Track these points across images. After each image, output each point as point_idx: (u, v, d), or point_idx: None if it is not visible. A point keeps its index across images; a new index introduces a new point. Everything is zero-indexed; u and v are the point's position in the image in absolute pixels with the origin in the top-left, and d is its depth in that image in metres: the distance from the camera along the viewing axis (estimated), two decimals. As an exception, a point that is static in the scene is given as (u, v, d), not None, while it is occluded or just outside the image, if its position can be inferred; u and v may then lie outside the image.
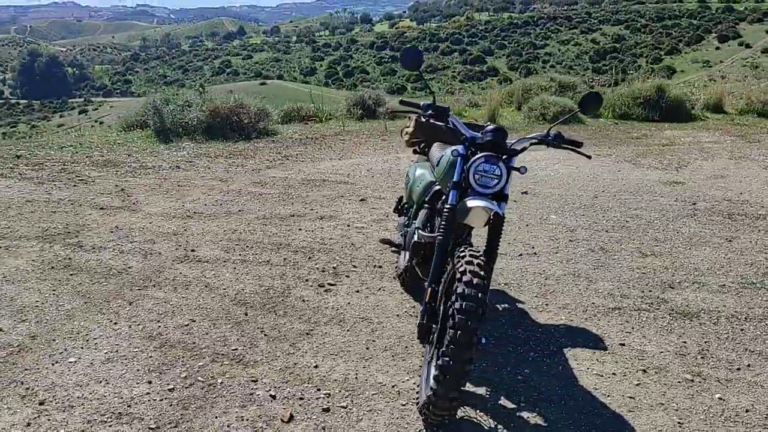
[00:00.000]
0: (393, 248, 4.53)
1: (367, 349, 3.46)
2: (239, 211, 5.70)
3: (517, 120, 11.34)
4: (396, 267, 4.38)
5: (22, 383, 3.02)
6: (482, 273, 2.67)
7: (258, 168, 7.37)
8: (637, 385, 3.18)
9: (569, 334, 3.69)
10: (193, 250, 4.73)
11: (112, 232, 5.06)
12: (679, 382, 3.22)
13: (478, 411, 2.95)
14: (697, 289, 4.27)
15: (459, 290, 2.62)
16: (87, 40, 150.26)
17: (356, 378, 3.18)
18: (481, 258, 2.77)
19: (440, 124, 3.28)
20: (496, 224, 3.09)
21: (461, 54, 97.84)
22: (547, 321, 3.85)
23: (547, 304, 4.06)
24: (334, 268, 4.49)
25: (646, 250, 4.97)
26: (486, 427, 2.84)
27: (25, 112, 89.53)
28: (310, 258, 4.65)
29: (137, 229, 5.13)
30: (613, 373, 3.29)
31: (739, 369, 3.35)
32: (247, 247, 4.82)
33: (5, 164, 7.11)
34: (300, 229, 5.24)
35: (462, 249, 2.84)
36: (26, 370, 3.13)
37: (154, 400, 2.94)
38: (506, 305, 4.05)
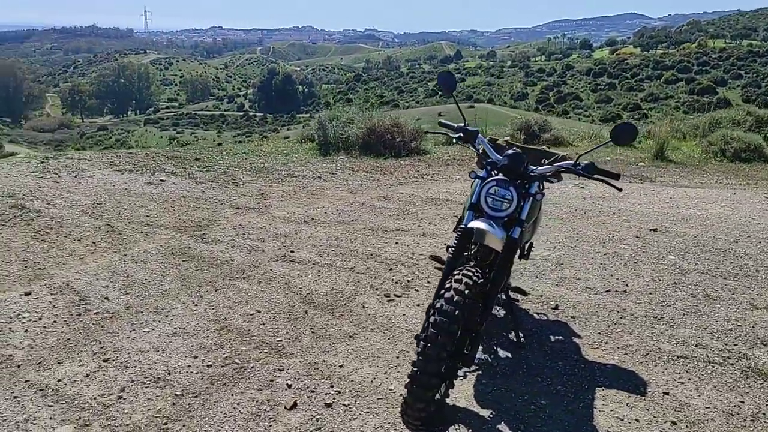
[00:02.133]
0: (438, 266, 4.58)
1: (397, 357, 3.59)
2: (352, 221, 6.08)
3: (694, 155, 10.47)
4: None
5: (99, 343, 3.61)
6: (466, 292, 2.71)
7: (390, 184, 7.72)
8: (657, 436, 2.95)
9: (612, 375, 3.48)
10: (292, 252, 5.18)
11: (234, 229, 5.70)
12: (707, 441, 2.92)
13: (471, 430, 2.96)
14: (798, 351, 3.76)
15: (437, 305, 2.70)
16: (318, 60, 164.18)
17: (372, 382, 3.33)
18: (474, 279, 2.80)
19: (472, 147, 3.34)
20: (508, 249, 3.07)
21: (688, 83, 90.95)
22: (595, 358, 3.66)
23: (606, 342, 3.85)
24: (408, 281, 4.65)
25: (761, 303, 4.44)
26: (469, 448, 2.85)
27: (259, 123, 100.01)
28: (390, 269, 4.86)
29: (256, 228, 5.72)
30: (637, 420, 3.07)
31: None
32: (341, 253, 5.16)
33: (182, 165, 8.25)
34: (397, 243, 5.46)
35: (462, 268, 2.89)
36: (108, 333, 3.73)
37: (191, 372, 3.36)
38: (560, 337, 3.91)
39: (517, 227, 3.07)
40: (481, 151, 3.38)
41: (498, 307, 4.27)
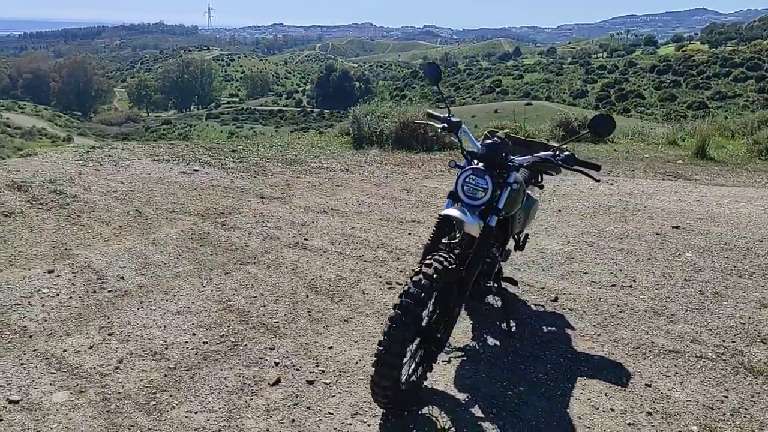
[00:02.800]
0: None
1: (386, 342, 3.67)
2: (370, 212, 6.19)
3: (738, 153, 10.15)
4: None
5: (107, 318, 3.84)
6: (434, 276, 2.79)
7: (416, 177, 7.80)
8: (629, 424, 2.96)
9: (597, 366, 3.49)
10: (305, 239, 5.33)
11: (254, 216, 5.90)
12: (678, 431, 2.91)
13: (442, 412, 3.03)
14: (799, 350, 3.67)
15: (405, 287, 2.78)
16: (376, 57, 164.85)
17: (356, 363, 3.44)
18: (445, 264, 2.87)
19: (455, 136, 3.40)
20: (483, 235, 3.12)
21: (758, 81, 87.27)
22: (584, 349, 3.67)
23: (599, 335, 3.85)
24: (413, 270, 4.72)
25: (772, 301, 4.34)
26: (438, 427, 2.92)
27: (316, 119, 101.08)
28: (398, 259, 4.95)
29: (275, 217, 5.91)
30: (612, 409, 3.09)
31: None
32: (352, 242, 5.28)
33: (218, 156, 8.53)
34: (410, 234, 5.55)
35: (435, 253, 2.97)
36: (117, 309, 3.96)
37: (187, 348, 3.54)
38: (553, 328, 3.93)
39: (494, 215, 3.13)
40: (462, 141, 3.45)
41: (495, 297, 4.32)
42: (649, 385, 3.31)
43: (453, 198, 3.17)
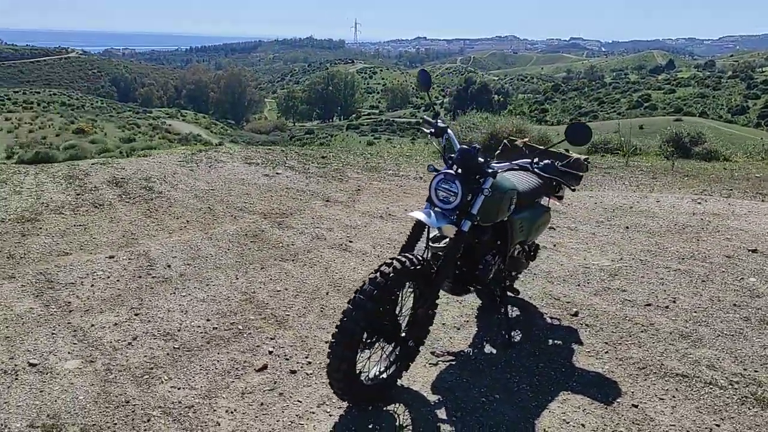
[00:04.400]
0: None
1: (381, 342, 3.75)
2: (425, 218, 6.24)
3: None
4: None
5: (140, 300, 4.22)
6: (391, 275, 2.84)
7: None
8: (592, 444, 2.83)
9: (588, 382, 3.36)
10: (350, 242, 5.50)
11: (312, 218, 6.17)
12: (641, 458, 2.75)
13: (406, 411, 3.07)
14: (832, 388, 3.30)
15: (361, 284, 2.87)
16: (518, 70, 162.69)
17: (344, 359, 3.54)
18: (407, 265, 2.91)
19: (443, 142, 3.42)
20: (454, 240, 3.14)
21: None
22: (583, 365, 3.54)
23: (606, 352, 3.68)
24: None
25: (827, 333, 3.91)
26: (396, 424, 2.97)
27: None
28: (431, 265, 4.98)
29: (331, 219, 6.13)
30: (582, 425, 2.97)
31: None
32: (395, 247, 5.38)
33: (305, 161, 8.95)
34: (454, 241, 5.54)
35: (401, 254, 3.02)
36: (152, 293, 4.34)
37: (197, 332, 3.82)
38: (559, 342, 3.81)
39: (467, 220, 3.13)
40: (445, 146, 3.46)
41: (513, 306, 4.25)
42: (636, 406, 3.14)
43: (429, 201, 3.21)
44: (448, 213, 3.14)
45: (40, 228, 5.56)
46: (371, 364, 3.15)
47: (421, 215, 3.09)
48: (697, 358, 3.61)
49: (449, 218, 3.14)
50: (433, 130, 3.49)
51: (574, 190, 3.80)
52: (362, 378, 3.08)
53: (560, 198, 4.16)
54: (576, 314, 4.17)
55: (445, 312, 4.17)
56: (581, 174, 3.39)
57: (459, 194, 3.06)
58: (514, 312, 4.23)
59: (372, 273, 2.91)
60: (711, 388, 3.31)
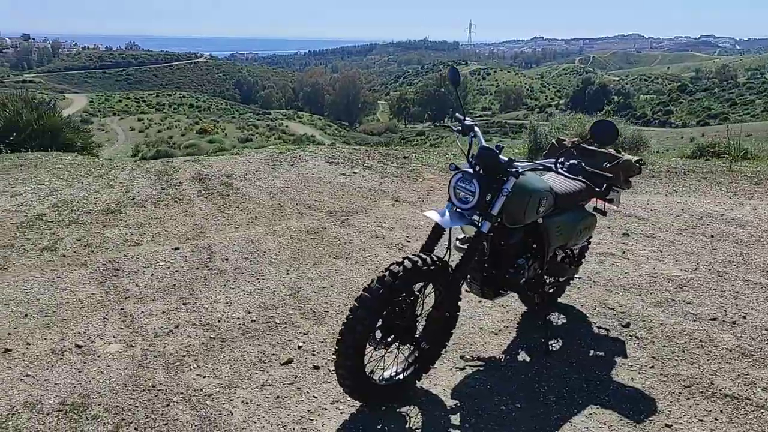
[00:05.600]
0: None
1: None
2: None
3: None
4: None
5: (192, 291, 4.40)
6: (400, 274, 2.79)
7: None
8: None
9: (623, 398, 3.16)
10: (408, 241, 5.46)
11: (377, 217, 6.18)
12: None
13: (420, 414, 3.02)
14: None
15: (369, 282, 2.84)
16: (641, 70, 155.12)
17: (369, 358, 3.52)
18: (419, 264, 2.85)
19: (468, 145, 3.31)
20: (475, 239, 3.05)
21: None
22: (622, 380, 3.33)
23: (652, 367, 3.43)
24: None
25: None
26: (406, 426, 2.91)
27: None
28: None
29: (394, 219, 6.12)
30: (598, 445, 2.77)
31: None
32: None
33: (386, 161, 8.97)
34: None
35: (415, 254, 2.97)
36: (204, 285, 4.51)
37: (235, 323, 3.93)
38: (602, 353, 3.60)
39: (486, 221, 3.03)
40: (473, 145, 3.35)
41: (559, 314, 4.06)
42: (669, 426, 2.90)
43: (450, 201, 3.14)
44: (469, 213, 3.05)
45: (121, 219, 5.93)
46: (387, 363, 3.11)
47: (434, 215, 3.02)
48: (754, 379, 3.28)
49: (468, 218, 3.05)
50: (460, 128, 3.40)
51: (610, 194, 3.59)
52: (376, 377, 3.05)
53: (610, 201, 3.92)
54: (627, 325, 3.91)
55: (487, 317, 4.05)
56: (610, 175, 3.17)
57: (476, 194, 2.96)
58: (560, 319, 4.03)
59: (381, 271, 2.87)
60: (762, 413, 2.99)
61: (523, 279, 3.41)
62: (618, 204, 4.06)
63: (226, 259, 4.98)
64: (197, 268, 4.79)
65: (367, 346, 2.92)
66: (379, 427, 2.94)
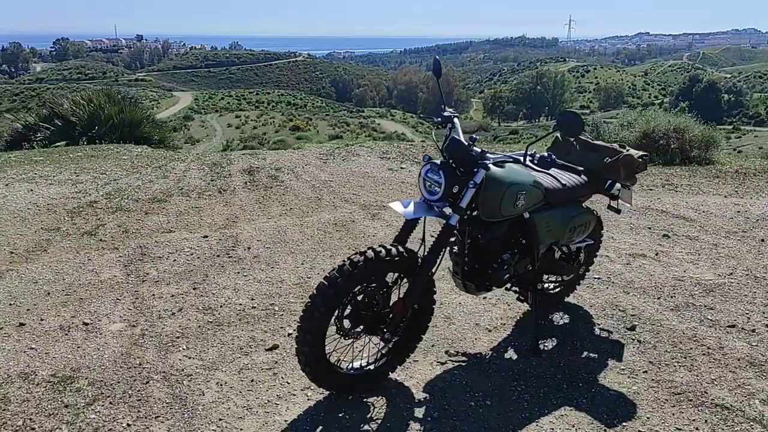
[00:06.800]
0: None
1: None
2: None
3: None
4: None
5: (206, 277, 4.55)
6: (359, 263, 2.80)
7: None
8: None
9: (602, 402, 3.01)
10: (433, 236, 5.38)
11: (409, 212, 6.13)
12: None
13: (385, 405, 2.99)
14: None
15: (329, 271, 2.85)
16: (756, 66, 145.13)
17: (353, 349, 3.52)
18: (381, 255, 2.84)
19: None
20: (443, 232, 3.00)
21: None
22: (607, 383, 3.17)
23: (645, 372, 3.25)
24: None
25: None
26: (367, 416, 2.91)
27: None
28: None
29: (426, 214, 6.05)
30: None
31: None
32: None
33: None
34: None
35: (381, 244, 2.95)
36: (219, 271, 4.65)
37: (235, 309, 4.04)
38: (595, 355, 3.43)
39: (455, 214, 2.97)
40: (447, 136, 3.27)
41: (561, 313, 3.92)
42: (640, 434, 2.73)
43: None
44: (439, 205, 3.00)
45: (163, 208, 6.21)
46: (357, 353, 3.11)
47: (397, 206, 2.99)
48: (754, 391, 3.04)
49: (438, 211, 3.00)
50: (440, 119, 3.33)
51: (620, 191, 3.46)
52: (344, 366, 3.05)
53: (614, 198, 3.73)
54: (633, 328, 3.71)
55: (487, 313, 3.96)
56: (581, 169, 3.02)
57: (443, 185, 2.91)
58: (562, 319, 3.88)
59: (342, 260, 2.87)
60: (751, 426, 2.76)
61: (507, 275, 3.31)
62: (631, 201, 3.85)
63: (248, 248, 5.11)
64: (218, 256, 4.95)
65: (336, 334, 2.94)
66: (340, 415, 2.94)
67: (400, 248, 2.93)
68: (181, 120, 59.57)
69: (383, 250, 2.87)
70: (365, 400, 3.05)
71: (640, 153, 3.60)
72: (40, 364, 3.35)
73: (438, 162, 2.99)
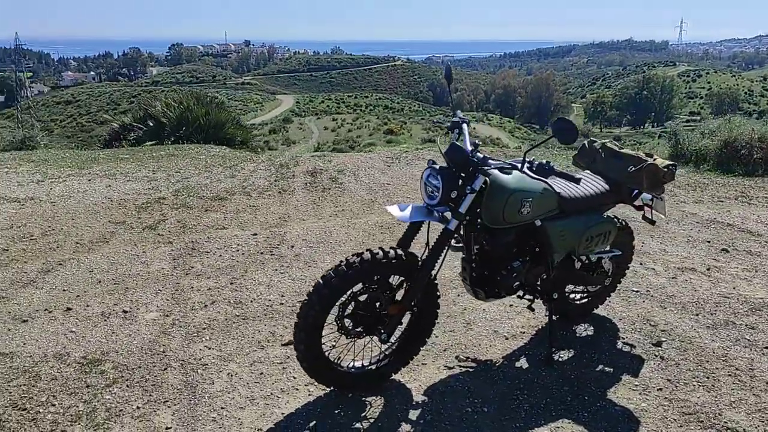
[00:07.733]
0: None
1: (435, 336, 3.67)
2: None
3: None
4: None
5: (245, 272, 4.74)
6: (355, 264, 2.86)
7: (677, 201, 6.71)
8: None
9: (605, 417, 2.93)
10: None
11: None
12: None
13: (382, 404, 3.04)
14: None
15: (326, 272, 2.93)
16: None
17: (364, 349, 3.58)
18: (378, 257, 2.89)
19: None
20: (441, 237, 3.01)
21: None
22: (616, 399, 3.08)
23: (660, 390, 3.12)
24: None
25: None
26: (361, 414, 2.96)
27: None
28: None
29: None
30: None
31: None
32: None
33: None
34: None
35: (380, 247, 3.00)
36: (260, 268, 4.83)
37: (263, 304, 4.19)
38: (611, 369, 3.33)
39: (454, 219, 2.97)
40: (458, 140, 3.26)
41: (586, 324, 3.81)
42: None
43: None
44: (439, 210, 3.01)
45: (223, 206, 6.50)
46: (360, 353, 3.17)
47: (394, 209, 3.02)
48: (770, 419, 2.84)
49: (437, 215, 3.01)
50: (449, 124, 3.34)
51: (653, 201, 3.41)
52: (344, 365, 3.12)
53: (638, 208, 3.59)
54: (659, 344, 3.55)
55: (508, 321, 3.91)
56: (579, 178, 2.92)
57: (440, 189, 2.92)
58: (586, 331, 3.77)
59: (339, 261, 2.93)
60: (753, 456, 2.60)
61: (517, 282, 3.27)
62: (665, 212, 3.69)
63: (292, 247, 5.27)
64: (261, 253, 5.14)
65: (338, 332, 3.01)
66: (336, 411, 3.01)
67: (399, 251, 2.96)
68: (281, 122, 61.68)
69: (381, 252, 2.91)
70: (364, 399, 3.10)
71: (667, 162, 3.44)
72: (75, 346, 3.62)
73: (437, 167, 2.99)
